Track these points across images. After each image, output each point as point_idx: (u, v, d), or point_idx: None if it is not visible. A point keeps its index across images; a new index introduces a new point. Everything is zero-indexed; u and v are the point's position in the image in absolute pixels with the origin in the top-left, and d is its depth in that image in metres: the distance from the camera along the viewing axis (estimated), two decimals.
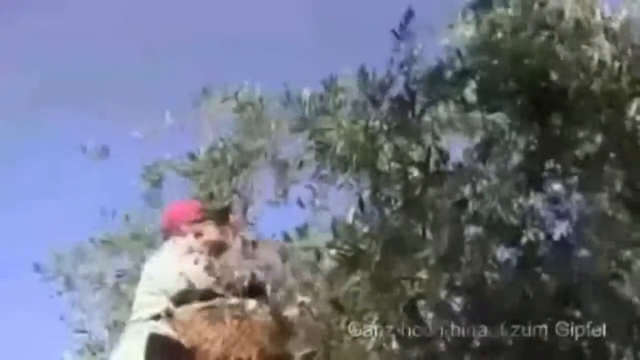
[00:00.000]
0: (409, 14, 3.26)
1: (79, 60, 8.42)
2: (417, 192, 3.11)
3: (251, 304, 3.10)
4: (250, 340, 3.05)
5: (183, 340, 3.02)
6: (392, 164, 3.19)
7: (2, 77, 8.14)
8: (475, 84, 3.30)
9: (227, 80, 3.86)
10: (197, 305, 3.11)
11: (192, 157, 4.05)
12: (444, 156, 3.22)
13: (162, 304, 3.12)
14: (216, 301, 3.11)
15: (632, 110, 3.24)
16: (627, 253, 3.17)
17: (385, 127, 3.23)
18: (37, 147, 8.33)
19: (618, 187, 3.23)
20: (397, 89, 3.30)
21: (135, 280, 4.33)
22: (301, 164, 3.50)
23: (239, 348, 3.04)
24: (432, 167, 3.16)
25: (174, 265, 3.17)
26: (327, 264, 3.09)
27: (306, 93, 3.40)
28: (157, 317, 3.12)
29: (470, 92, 3.36)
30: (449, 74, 3.35)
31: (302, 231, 3.13)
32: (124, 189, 4.43)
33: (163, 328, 3.07)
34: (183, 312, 3.10)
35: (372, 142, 3.17)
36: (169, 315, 3.10)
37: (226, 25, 8.55)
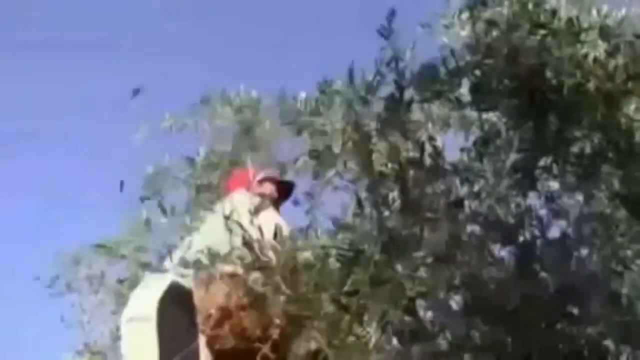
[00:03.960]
0: (392, 14, 3.27)
1: None
2: (414, 191, 3.12)
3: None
4: (262, 318, 3.04)
5: (198, 300, 3.01)
6: (389, 164, 3.20)
7: None
8: (470, 82, 3.31)
9: (224, 84, 3.90)
10: (222, 269, 3.06)
11: (191, 161, 4.09)
12: (438, 154, 3.23)
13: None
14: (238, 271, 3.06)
15: (627, 108, 3.25)
16: (625, 251, 3.19)
17: (379, 125, 3.24)
18: (37, 145, 8.35)
19: (615, 185, 3.24)
20: (388, 88, 3.31)
21: (135, 283, 4.36)
22: (297, 163, 3.52)
23: (248, 323, 3.04)
24: (426, 165, 3.18)
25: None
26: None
27: (302, 95, 3.42)
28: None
29: (465, 91, 3.37)
30: (444, 72, 3.36)
31: (303, 232, 3.16)
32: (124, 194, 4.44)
33: (185, 280, 3.06)
34: (208, 276, 3.07)
35: (367, 141, 3.18)
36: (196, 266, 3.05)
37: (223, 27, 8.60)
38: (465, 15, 3.36)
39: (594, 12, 3.38)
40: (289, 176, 3.70)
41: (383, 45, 3.23)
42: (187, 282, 3.06)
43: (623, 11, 3.40)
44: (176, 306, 3.05)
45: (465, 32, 3.34)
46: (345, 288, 3.03)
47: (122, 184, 3.78)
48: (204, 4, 9.05)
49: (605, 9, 3.39)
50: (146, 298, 3.13)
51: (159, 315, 3.04)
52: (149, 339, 3.02)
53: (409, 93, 3.22)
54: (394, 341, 3.09)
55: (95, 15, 8.50)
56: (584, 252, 3.27)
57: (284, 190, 3.73)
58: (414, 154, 3.18)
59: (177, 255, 3.12)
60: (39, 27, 8.59)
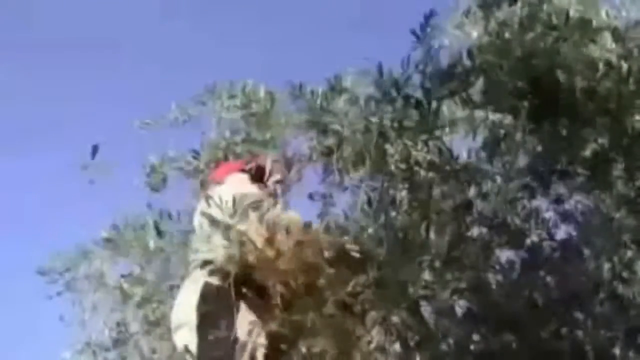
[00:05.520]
0: (431, 14, 3.23)
1: None
2: (425, 192, 3.09)
3: None
4: None
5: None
6: (400, 164, 3.17)
7: None
8: (482, 83, 3.28)
9: (231, 79, 3.86)
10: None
11: (195, 154, 4.05)
12: (453, 156, 3.20)
13: (213, 251, 3.17)
14: None
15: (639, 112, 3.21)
16: (633, 256, 3.16)
17: (396, 125, 3.22)
18: (41, 143, 8.33)
19: (625, 188, 3.21)
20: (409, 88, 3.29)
21: (137, 280, 4.33)
22: (310, 158, 3.51)
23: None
24: (438, 167, 3.15)
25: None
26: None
27: (317, 90, 3.39)
28: (209, 263, 3.16)
29: (476, 92, 3.34)
30: (456, 73, 3.33)
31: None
32: (127, 189, 4.41)
33: (215, 278, 3.12)
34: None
35: (384, 140, 3.16)
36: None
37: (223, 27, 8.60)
38: (476, 15, 3.32)
39: (603, 13, 3.34)
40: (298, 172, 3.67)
41: (409, 45, 3.22)
42: (217, 280, 3.13)
43: (631, 15, 3.37)
44: (213, 305, 3.11)
45: (476, 33, 3.31)
46: (349, 289, 3.01)
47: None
48: (204, 4, 9.05)
49: (613, 11, 3.36)
50: (186, 305, 3.21)
51: (199, 318, 3.12)
52: (193, 343, 3.13)
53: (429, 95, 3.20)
54: (397, 344, 3.07)
55: (96, 15, 8.48)
56: (591, 256, 3.23)
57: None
58: (426, 155, 3.16)
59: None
60: (39, 27, 8.59)
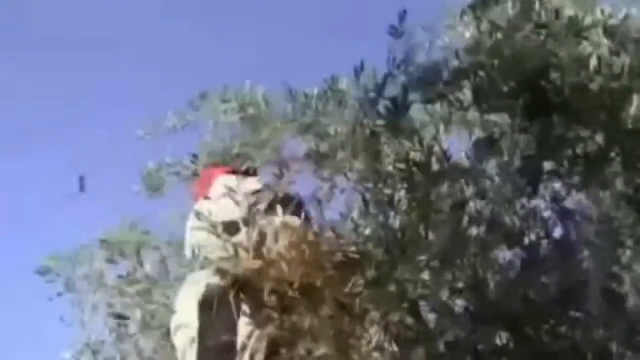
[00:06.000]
0: (403, 15, 3.27)
1: None
2: (420, 193, 3.10)
3: None
4: None
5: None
6: (396, 164, 3.19)
7: None
8: (474, 84, 3.29)
9: (225, 83, 3.87)
10: None
11: (194, 158, 4.07)
12: (445, 156, 3.22)
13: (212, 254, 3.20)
14: None
15: (633, 108, 3.22)
16: (630, 254, 3.17)
17: (382, 125, 3.23)
18: (41, 143, 8.31)
19: (620, 186, 3.22)
20: (395, 89, 3.30)
21: (135, 281, 4.34)
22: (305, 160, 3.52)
23: None
24: (433, 167, 3.16)
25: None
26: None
27: (311, 93, 3.41)
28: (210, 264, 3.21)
29: (469, 92, 3.35)
30: (447, 73, 3.35)
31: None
32: (127, 189, 4.41)
33: (217, 279, 3.16)
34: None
35: (376, 142, 3.17)
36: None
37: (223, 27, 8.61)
38: (468, 16, 3.33)
39: (598, 11, 3.35)
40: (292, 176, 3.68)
41: (390, 46, 3.23)
42: (221, 281, 3.15)
43: (624, 11, 3.37)
44: (214, 307, 3.13)
45: (469, 33, 3.32)
46: (347, 289, 3.03)
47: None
48: (204, 4, 9.03)
49: (608, 9, 3.36)
50: (187, 306, 3.24)
51: (200, 320, 3.14)
52: (194, 345, 3.13)
53: (413, 95, 3.20)
54: (396, 344, 3.08)
55: (96, 15, 8.46)
56: (589, 255, 3.24)
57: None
58: (419, 155, 3.17)
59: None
60: (39, 27, 8.56)
